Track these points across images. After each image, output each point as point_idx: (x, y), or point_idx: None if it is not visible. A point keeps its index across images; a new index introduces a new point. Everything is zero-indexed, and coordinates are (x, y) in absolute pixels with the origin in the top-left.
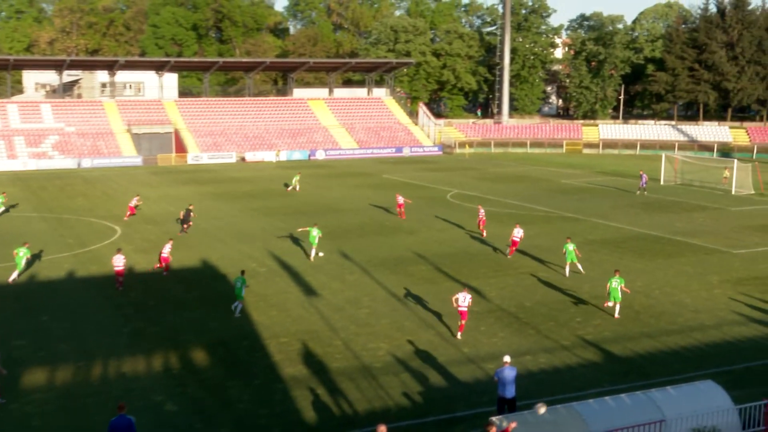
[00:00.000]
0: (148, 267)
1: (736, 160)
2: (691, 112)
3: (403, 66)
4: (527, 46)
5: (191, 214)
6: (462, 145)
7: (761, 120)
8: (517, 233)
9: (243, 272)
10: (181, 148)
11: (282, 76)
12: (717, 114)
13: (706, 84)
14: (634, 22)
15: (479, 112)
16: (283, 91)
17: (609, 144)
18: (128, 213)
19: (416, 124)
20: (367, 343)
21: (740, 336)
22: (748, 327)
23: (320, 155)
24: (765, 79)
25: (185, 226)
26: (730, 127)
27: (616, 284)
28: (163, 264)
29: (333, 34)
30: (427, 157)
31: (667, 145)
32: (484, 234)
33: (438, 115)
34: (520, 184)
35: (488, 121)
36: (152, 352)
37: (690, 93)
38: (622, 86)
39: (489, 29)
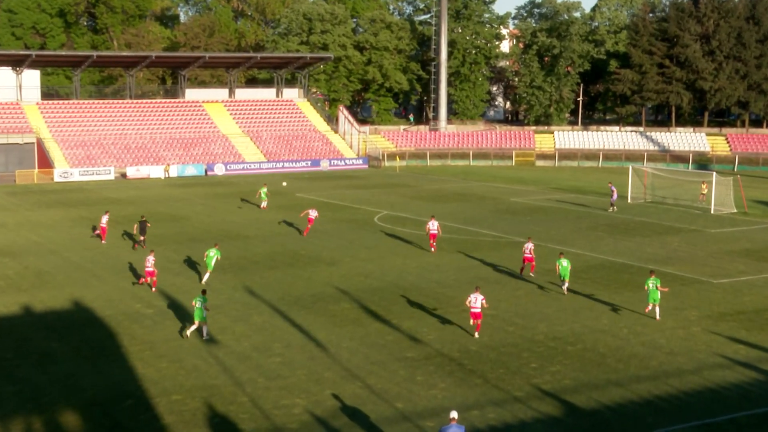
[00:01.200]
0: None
1: (715, 173)
2: (661, 117)
3: (319, 62)
4: (468, 38)
5: (147, 224)
6: (391, 156)
7: (742, 125)
8: (432, 225)
9: (204, 292)
10: (45, 163)
11: (171, 74)
12: (692, 118)
13: (678, 83)
14: (593, 9)
15: (411, 118)
16: (173, 92)
17: (566, 155)
18: None
19: (336, 131)
20: (279, 400)
21: (724, 382)
22: (732, 371)
23: (219, 170)
24: (746, 77)
25: (141, 239)
26: (708, 134)
27: (653, 284)
28: (148, 279)
29: (234, 23)
30: (350, 172)
31: (634, 156)
32: (434, 249)
33: (362, 120)
34: (462, 203)
35: (423, 127)
36: (10, 417)
37: (660, 94)
38: (581, 86)
39: (422, 18)
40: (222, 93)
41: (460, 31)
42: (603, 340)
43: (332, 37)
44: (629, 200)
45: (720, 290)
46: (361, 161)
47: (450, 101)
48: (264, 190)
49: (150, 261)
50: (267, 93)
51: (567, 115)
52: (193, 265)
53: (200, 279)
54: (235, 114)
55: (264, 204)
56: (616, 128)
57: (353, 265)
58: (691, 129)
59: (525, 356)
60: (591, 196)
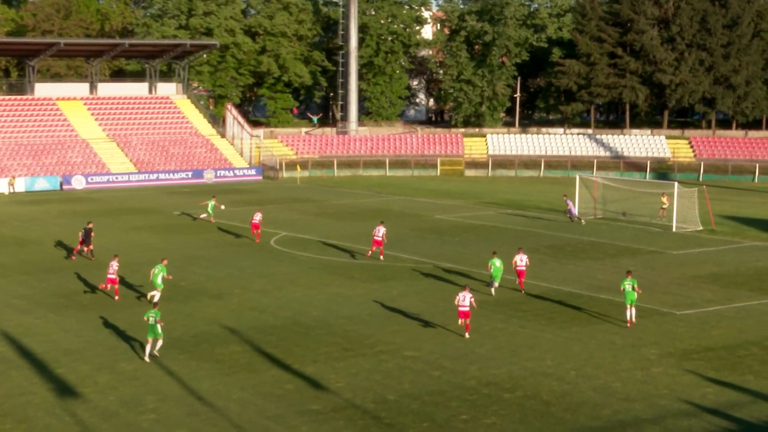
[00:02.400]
0: None
1: (677, 184)
2: (614, 117)
3: (201, 50)
4: (383, 21)
5: (92, 233)
6: (291, 165)
7: (708, 127)
8: (379, 232)
9: (155, 305)
10: None
11: (17, 65)
12: (649, 118)
13: (632, 76)
14: None
15: (315, 119)
16: (19, 87)
17: (501, 163)
18: None
19: (223, 135)
20: None
21: None
22: (700, 420)
23: (78, 183)
24: (712, 69)
25: (87, 249)
26: (668, 137)
27: (629, 285)
28: (109, 286)
29: (95, 3)
30: (241, 185)
31: (582, 164)
32: (382, 257)
33: (255, 122)
34: (376, 222)
35: (329, 130)
36: None
37: (611, 89)
38: (518, 80)
39: None
40: (81, 88)
41: (373, 13)
42: (547, 384)
43: (217, 20)
44: (576, 213)
45: (684, 323)
46: (254, 171)
47: (362, 98)
48: (212, 203)
49: (113, 267)
50: (137, 88)
51: (502, 114)
52: (46, 301)
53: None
54: (98, 114)
55: (211, 218)
56: (561, 130)
57: (245, 298)
58: (649, 131)
59: (454, 406)
60: (532, 211)
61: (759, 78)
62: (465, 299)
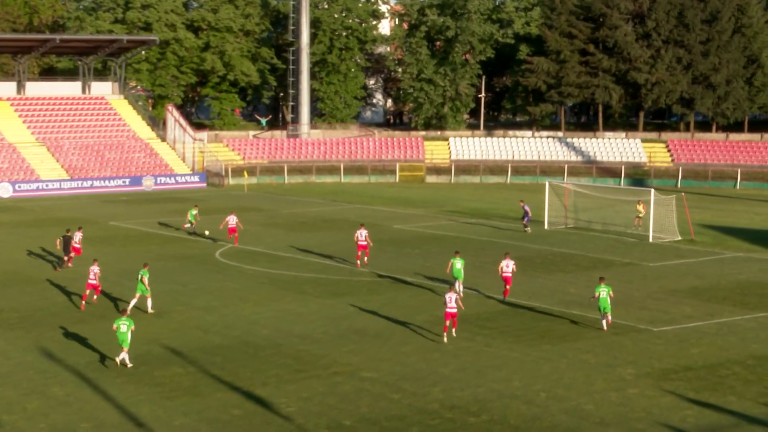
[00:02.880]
0: None
1: (653, 191)
2: (586, 118)
3: (139, 46)
4: (337, 16)
5: (72, 240)
6: (238, 172)
7: (687, 129)
8: (361, 235)
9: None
10: None
11: None
12: (624, 120)
13: (606, 75)
14: None
15: (264, 121)
16: None
17: (465, 168)
18: None
19: (164, 139)
20: None
21: None
22: None
23: (4, 191)
24: (690, 67)
25: (66, 258)
26: (644, 141)
27: (605, 293)
28: (88, 292)
29: None
30: (183, 193)
31: (552, 169)
32: (359, 265)
33: (199, 125)
34: (331, 232)
35: (279, 133)
36: None
37: (583, 89)
38: (483, 79)
39: None
40: (7, 88)
41: (326, 7)
42: (515, 408)
43: (157, 13)
44: (546, 226)
45: (662, 340)
46: (197, 178)
47: (314, 99)
48: (194, 212)
49: (93, 272)
50: (70, 88)
51: (466, 116)
52: None
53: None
54: (27, 116)
55: (193, 226)
56: (529, 133)
57: (188, 315)
58: (623, 134)
59: None
60: (497, 220)
61: (740, 77)
62: (452, 300)
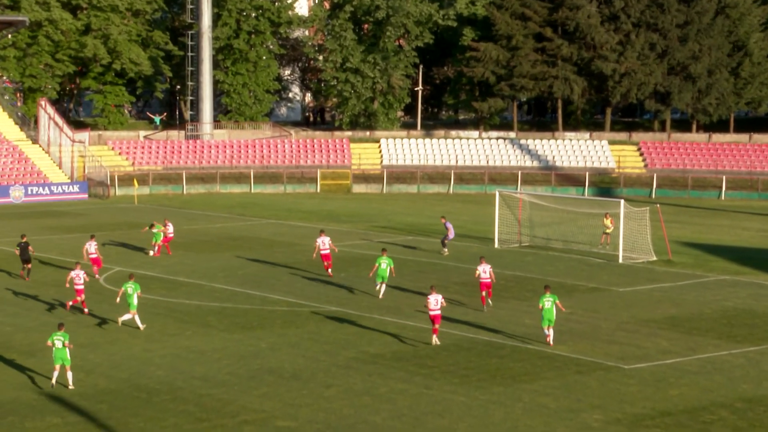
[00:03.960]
0: None
1: (623, 202)
2: (544, 117)
3: (5, 29)
4: None
5: (30, 248)
6: (126, 180)
7: (662, 128)
8: (324, 241)
9: (60, 325)
10: None
11: None
12: (588, 118)
13: (566, 65)
14: None
15: (158, 119)
16: None
17: (400, 175)
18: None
19: (35, 141)
20: None
21: None
22: None
23: None
24: (666, 55)
25: (27, 266)
26: (612, 143)
27: (549, 303)
28: (79, 299)
29: None
30: (59, 206)
31: (503, 176)
32: (330, 273)
33: (79, 123)
34: (240, 253)
35: (176, 134)
36: None
37: (539, 81)
38: (420, 69)
39: None
40: None
41: None
42: None
43: None
44: (496, 244)
45: (635, 380)
46: (77, 188)
47: (218, 92)
48: (155, 229)
49: (80, 276)
50: None
51: (400, 114)
52: None
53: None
54: None
55: (154, 249)
56: (475, 134)
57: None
58: (587, 134)
59: None
60: (436, 238)
61: (724, 66)
62: (437, 302)
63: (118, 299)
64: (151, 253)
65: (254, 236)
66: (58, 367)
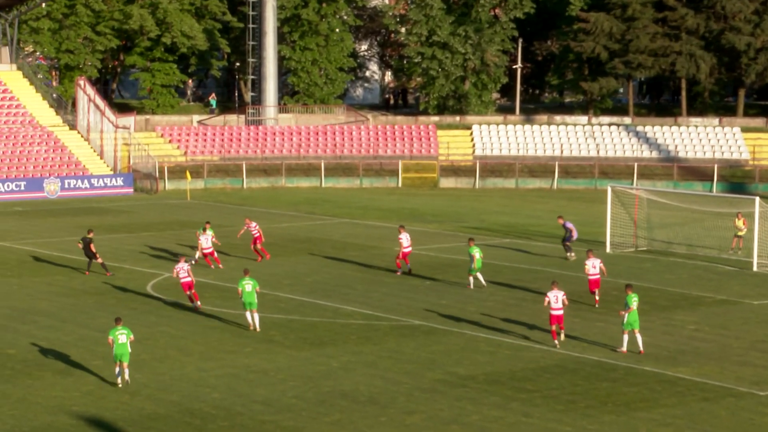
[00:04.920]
0: None
1: (758, 199)
2: (665, 99)
3: None
4: None
5: (91, 245)
6: (178, 173)
7: None
8: (407, 237)
9: (118, 321)
10: None
11: None
12: (717, 101)
13: (691, 38)
14: None
15: (214, 101)
16: None
17: (495, 168)
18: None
19: (73, 126)
20: None
21: None
22: None
23: None
24: None
25: (98, 261)
26: (745, 130)
27: (635, 304)
28: (188, 291)
29: None
30: (101, 201)
31: (616, 169)
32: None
33: (123, 107)
34: (307, 258)
35: (234, 119)
36: None
37: (659, 57)
38: (520, 44)
39: None
40: None
41: None
42: None
43: None
44: (608, 248)
45: None
46: (120, 181)
47: (283, 71)
48: (208, 232)
49: (185, 268)
50: None
51: (495, 96)
52: None
53: None
54: None
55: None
56: (584, 119)
57: (107, 372)
58: (716, 120)
59: None
60: (541, 241)
61: None
62: (558, 300)
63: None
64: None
65: (325, 238)
66: (118, 363)
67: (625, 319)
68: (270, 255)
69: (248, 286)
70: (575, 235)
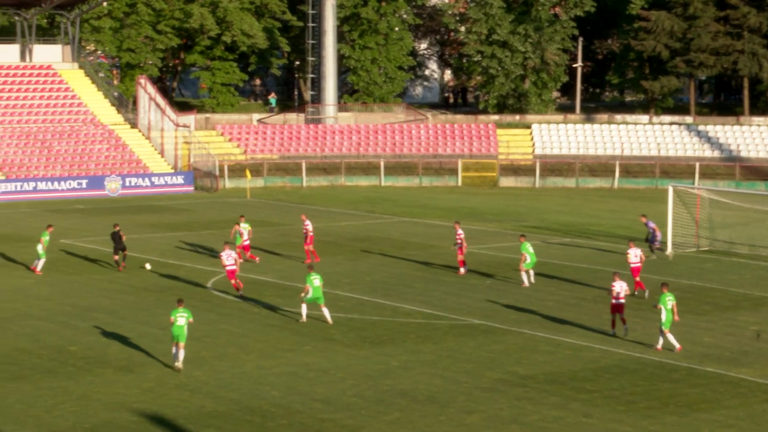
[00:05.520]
0: None
1: None
2: (727, 99)
3: None
4: None
5: (122, 237)
6: (238, 171)
7: None
8: (460, 234)
9: (180, 302)
10: None
11: None
12: None
13: (754, 37)
14: None
15: (274, 100)
16: None
17: (555, 167)
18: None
19: (134, 125)
20: None
21: None
22: None
23: None
24: None
25: (123, 253)
26: None
27: (671, 304)
28: (233, 281)
29: None
30: (161, 199)
31: (677, 169)
32: (462, 268)
33: (183, 105)
34: (367, 256)
35: (294, 117)
36: None
37: (722, 56)
38: (580, 42)
39: None
40: None
41: None
42: None
43: None
44: (669, 247)
45: None
46: (181, 179)
47: (343, 70)
48: (245, 226)
49: (231, 256)
50: (3, 52)
51: (555, 95)
52: None
53: None
54: None
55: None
56: (645, 119)
57: (167, 370)
58: None
59: None
60: (601, 240)
61: None
62: (621, 290)
63: (303, 294)
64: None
65: (384, 236)
66: (175, 344)
67: (664, 318)
68: (319, 258)
69: (316, 281)
70: (659, 235)
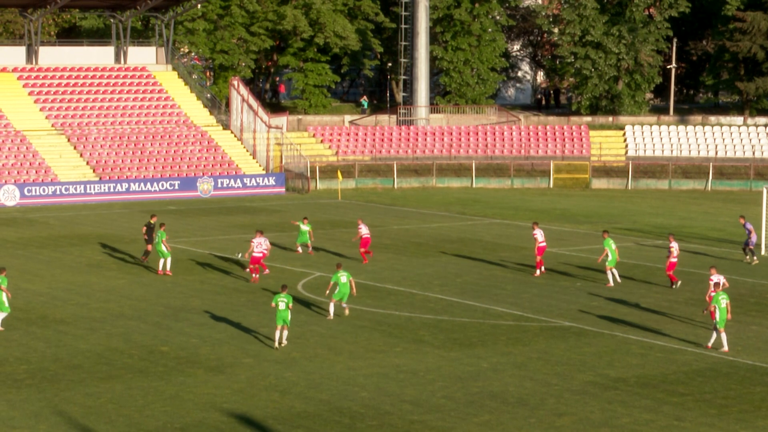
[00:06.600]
0: None
1: None
2: None
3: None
4: None
5: (154, 231)
6: (330, 172)
7: None
8: (540, 233)
9: (284, 287)
10: None
11: None
12: None
13: None
14: None
15: (365, 102)
16: None
17: (648, 168)
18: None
19: (227, 126)
20: None
21: None
22: None
23: (8, 197)
24: None
25: (149, 247)
26: None
27: (724, 302)
28: (256, 268)
29: None
30: (253, 201)
31: None
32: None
33: (275, 106)
34: (457, 258)
35: (386, 119)
36: None
37: None
38: (674, 43)
39: None
40: (14, 54)
41: None
42: None
43: None
44: (763, 251)
45: None
46: (272, 180)
47: (435, 71)
48: (306, 228)
49: (262, 244)
50: (98, 54)
51: (648, 96)
52: None
53: None
54: (39, 93)
55: (309, 249)
56: (740, 120)
57: (258, 371)
58: None
59: None
60: (695, 242)
61: None
62: (720, 284)
63: (327, 292)
64: (299, 249)
65: (475, 238)
66: (279, 327)
67: (718, 317)
68: (366, 261)
69: (343, 278)
70: (754, 237)
